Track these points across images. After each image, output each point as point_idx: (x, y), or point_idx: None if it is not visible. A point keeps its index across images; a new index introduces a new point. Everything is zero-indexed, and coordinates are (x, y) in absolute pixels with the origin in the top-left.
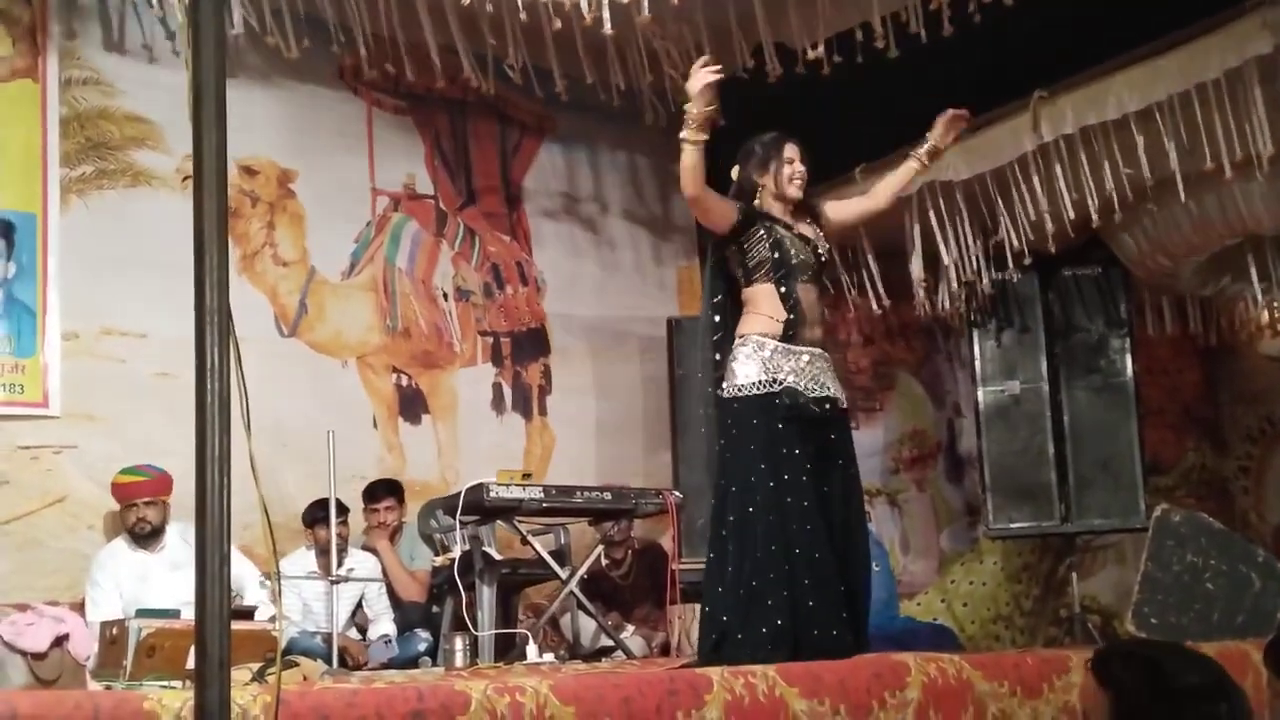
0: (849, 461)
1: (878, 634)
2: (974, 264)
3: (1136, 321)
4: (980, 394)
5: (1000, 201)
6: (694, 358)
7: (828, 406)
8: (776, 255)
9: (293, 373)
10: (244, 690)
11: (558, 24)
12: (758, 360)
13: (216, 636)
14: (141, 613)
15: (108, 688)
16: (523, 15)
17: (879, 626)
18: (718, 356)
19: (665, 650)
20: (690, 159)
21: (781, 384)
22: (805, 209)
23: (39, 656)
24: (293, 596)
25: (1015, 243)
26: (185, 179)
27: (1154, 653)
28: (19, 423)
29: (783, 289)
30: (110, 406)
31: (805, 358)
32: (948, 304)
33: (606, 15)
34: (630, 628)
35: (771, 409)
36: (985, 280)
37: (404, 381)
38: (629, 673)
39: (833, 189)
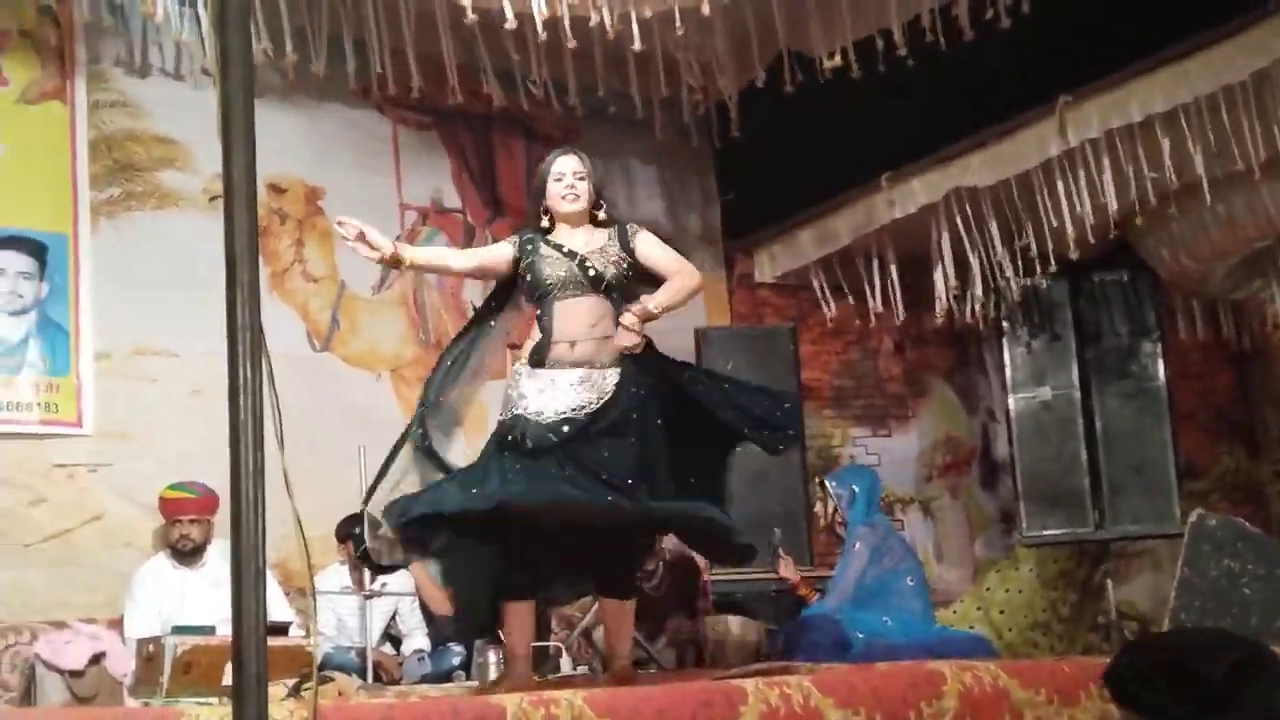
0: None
1: (913, 643)
2: (1001, 271)
3: (1167, 325)
4: (1011, 401)
5: (1026, 208)
6: (720, 367)
7: (566, 428)
8: (529, 278)
9: (326, 387)
10: (280, 705)
11: (573, 43)
12: (516, 389)
13: (253, 651)
14: (177, 629)
15: (145, 704)
16: (542, 35)
17: (915, 636)
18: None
19: (699, 661)
20: (425, 260)
21: (516, 413)
22: (605, 225)
23: (77, 674)
24: (327, 612)
25: (1042, 249)
26: (212, 199)
27: (1166, 658)
28: (54, 441)
29: (539, 310)
30: (144, 425)
31: (559, 380)
32: (976, 311)
33: (636, 31)
34: (663, 639)
35: (505, 438)
36: (1013, 287)
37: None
38: (663, 684)
39: (859, 199)
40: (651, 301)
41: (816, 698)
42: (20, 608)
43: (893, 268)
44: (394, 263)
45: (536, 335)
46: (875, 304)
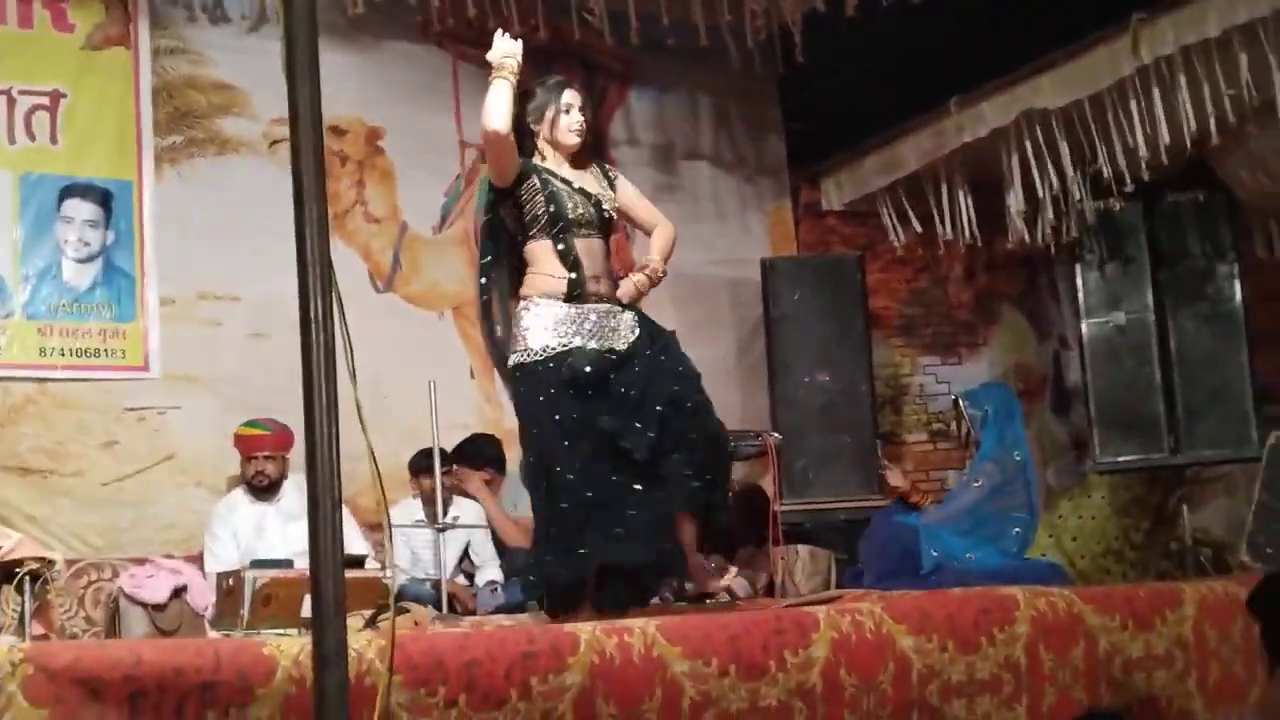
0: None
1: (984, 570)
2: (1074, 194)
3: (1244, 247)
4: (1084, 326)
5: (1099, 129)
6: (787, 298)
7: (613, 359)
8: (552, 209)
9: (389, 327)
10: (358, 636)
11: None
12: (545, 324)
13: (331, 582)
14: (256, 563)
15: (226, 636)
16: None
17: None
18: (492, 320)
19: (769, 591)
20: (498, 93)
21: (569, 349)
22: (589, 162)
23: (159, 608)
24: (401, 546)
25: (1115, 171)
26: (272, 144)
27: None
28: (124, 386)
29: (560, 246)
30: (208, 368)
31: (593, 317)
32: (1047, 235)
33: None
34: (733, 569)
35: (560, 375)
36: (1086, 210)
37: (500, 331)
38: (735, 612)
39: (927, 124)
40: (654, 263)
41: (888, 624)
42: (102, 546)
43: (961, 193)
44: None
45: (555, 270)
46: (945, 230)
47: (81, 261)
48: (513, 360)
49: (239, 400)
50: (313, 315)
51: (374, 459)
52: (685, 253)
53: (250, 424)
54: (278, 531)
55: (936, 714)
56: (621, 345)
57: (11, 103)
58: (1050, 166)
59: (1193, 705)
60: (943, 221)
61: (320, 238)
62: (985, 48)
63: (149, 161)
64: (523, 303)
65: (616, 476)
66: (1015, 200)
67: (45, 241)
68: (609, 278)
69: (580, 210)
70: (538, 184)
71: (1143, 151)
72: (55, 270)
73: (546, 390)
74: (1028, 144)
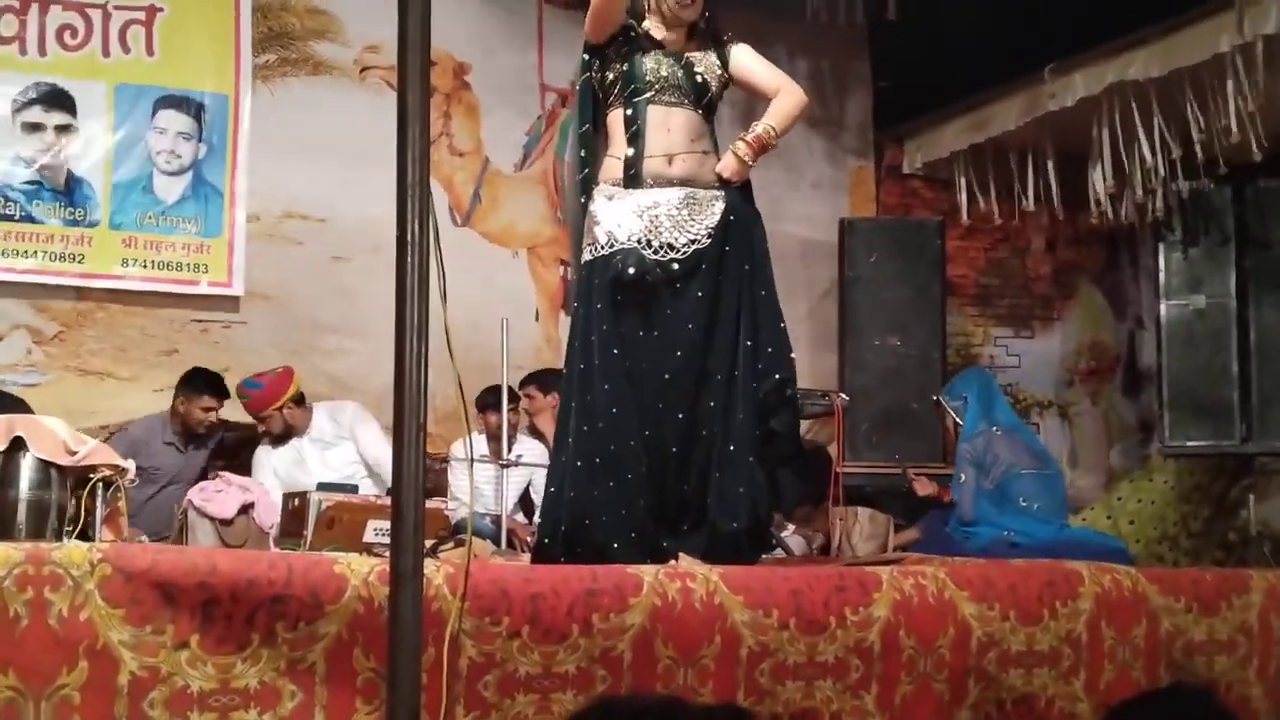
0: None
1: (1034, 546)
2: (1162, 171)
3: None
4: (1163, 307)
5: (1194, 105)
6: (863, 259)
7: (675, 264)
8: (625, 68)
9: (463, 262)
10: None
11: None
12: (603, 214)
13: (412, 502)
14: (323, 486)
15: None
16: None
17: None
18: (584, 201)
19: (825, 550)
20: None
21: (617, 248)
22: (705, 41)
23: (226, 523)
24: (463, 479)
25: (1207, 150)
26: (363, 70)
27: None
28: (197, 298)
29: (629, 111)
30: (283, 287)
31: (664, 204)
32: (1132, 212)
33: None
34: (790, 527)
35: (606, 279)
36: (1174, 188)
37: (570, 274)
38: (799, 567)
39: (1018, 89)
40: (762, 127)
41: (951, 590)
42: None
43: (1049, 163)
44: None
45: (622, 149)
46: (1028, 201)
47: (171, 174)
48: (583, 258)
49: (307, 320)
50: (409, 237)
51: (460, 383)
52: (762, 207)
53: (237, 392)
54: (317, 460)
55: (993, 682)
56: (694, 242)
57: (107, 17)
58: (1140, 142)
59: (1250, 693)
60: (1025, 192)
61: (421, 161)
62: (1083, 15)
63: (246, 77)
64: (594, 191)
65: (638, 435)
66: (1101, 174)
67: (137, 152)
68: (701, 158)
69: (664, 73)
70: (621, 39)
71: (1237, 132)
72: (145, 182)
73: (588, 298)
74: (1118, 117)
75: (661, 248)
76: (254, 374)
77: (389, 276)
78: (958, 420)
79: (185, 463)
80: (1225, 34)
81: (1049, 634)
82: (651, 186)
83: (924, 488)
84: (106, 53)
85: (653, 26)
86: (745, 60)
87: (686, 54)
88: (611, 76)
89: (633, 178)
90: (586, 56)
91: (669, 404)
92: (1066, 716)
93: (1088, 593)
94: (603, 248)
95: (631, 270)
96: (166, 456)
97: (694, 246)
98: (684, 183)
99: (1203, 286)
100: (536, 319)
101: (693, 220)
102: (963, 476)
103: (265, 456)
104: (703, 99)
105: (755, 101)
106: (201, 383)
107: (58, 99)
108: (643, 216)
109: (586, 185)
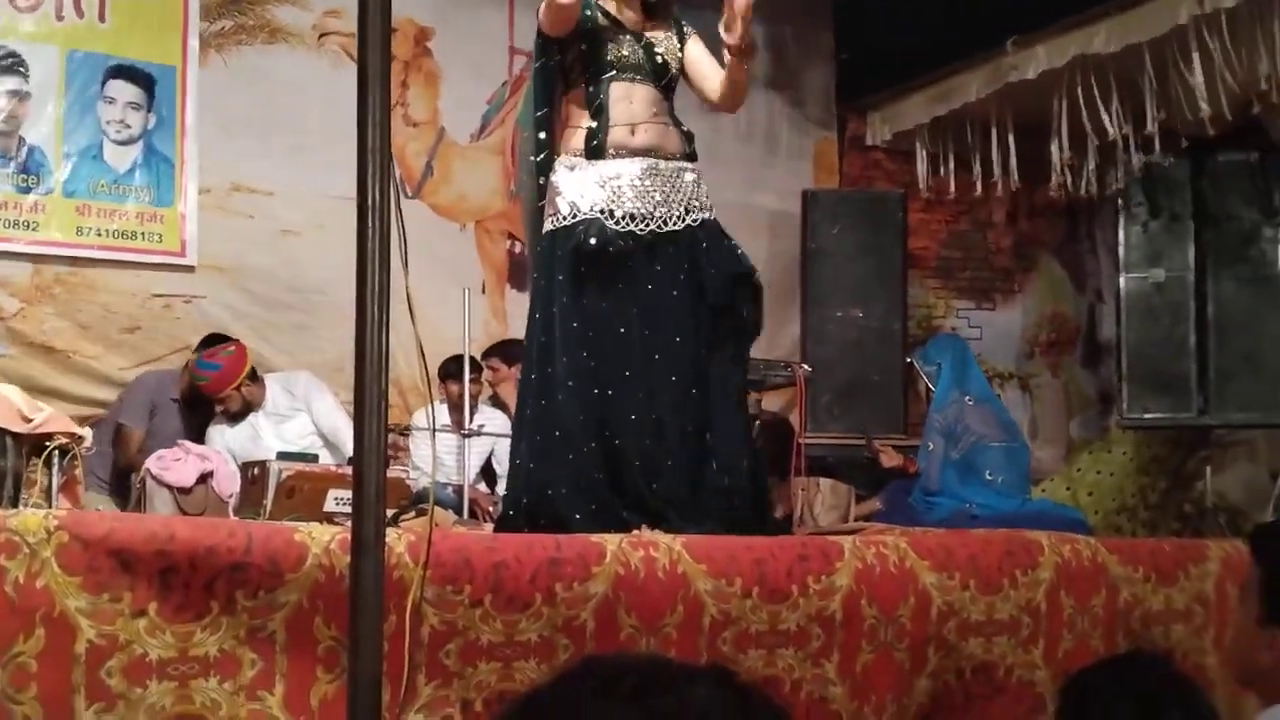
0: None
1: (994, 518)
2: (1122, 145)
3: None
4: (1123, 280)
5: (1153, 79)
6: (825, 231)
7: (637, 236)
8: (584, 46)
9: (410, 235)
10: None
11: None
12: (566, 185)
13: (374, 470)
14: (282, 455)
15: None
16: None
17: (1000, 511)
18: (542, 182)
19: (787, 522)
20: None
21: (579, 218)
22: (666, 21)
23: (184, 491)
24: (425, 449)
25: (1167, 124)
26: (322, 36)
27: None
28: (154, 272)
29: (591, 88)
30: (237, 260)
31: (627, 174)
32: (1091, 186)
33: None
34: None
35: (568, 250)
36: (1133, 162)
37: (517, 248)
38: (761, 537)
39: (980, 62)
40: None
41: (912, 559)
42: None
43: (1010, 136)
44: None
45: (584, 123)
46: (992, 172)
47: (122, 144)
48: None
49: (264, 295)
50: (370, 202)
51: (421, 350)
52: (725, 178)
53: (192, 373)
54: (272, 433)
55: (953, 651)
56: (666, 217)
57: None
58: (1101, 115)
59: (1206, 661)
60: (986, 164)
61: (382, 125)
62: None
63: (194, 47)
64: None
65: (597, 408)
66: (1060, 147)
67: (87, 121)
68: (664, 129)
69: (625, 53)
70: (580, 20)
71: (1199, 105)
72: (96, 150)
73: (549, 270)
74: (1079, 90)
75: (624, 218)
76: (205, 353)
77: (341, 249)
78: (930, 385)
79: (188, 424)
80: (1184, 6)
81: (1009, 603)
82: (614, 157)
83: (890, 459)
84: (60, 16)
85: (609, 4)
86: (698, 51)
87: (647, 34)
88: (572, 58)
89: (595, 149)
90: (541, 42)
91: (633, 376)
92: (1025, 685)
93: (1047, 562)
94: (565, 218)
95: (594, 241)
96: (171, 413)
97: (659, 221)
98: (647, 152)
99: (1162, 260)
100: (484, 292)
101: (655, 190)
102: (931, 445)
103: (219, 435)
104: (663, 78)
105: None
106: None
107: (11, 64)
108: (605, 187)
109: (544, 168)
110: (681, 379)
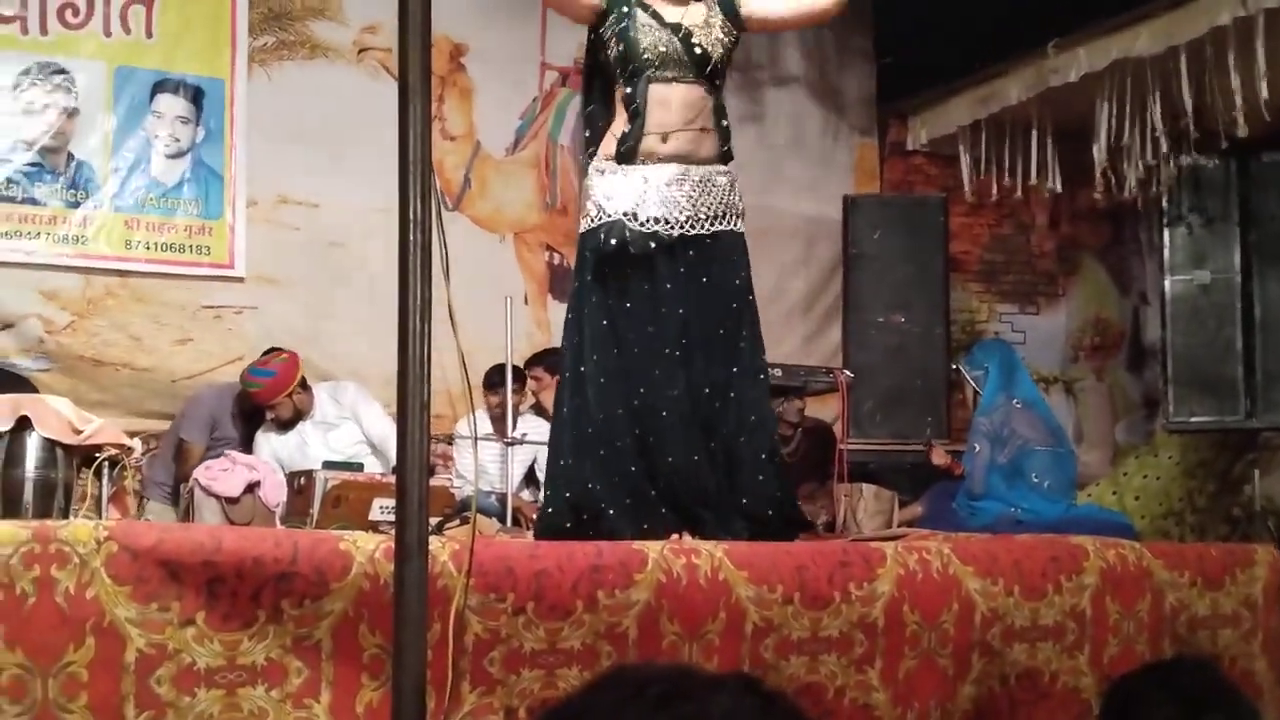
0: (715, 297)
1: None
2: (1164, 147)
3: None
4: (1168, 283)
5: (1195, 81)
6: (867, 236)
7: (670, 233)
8: (622, 47)
9: (451, 247)
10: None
11: None
12: (598, 189)
13: (417, 478)
14: (329, 464)
15: None
16: None
17: (1054, 512)
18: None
19: (830, 528)
20: None
21: (604, 221)
22: (710, 2)
23: (232, 501)
24: (467, 457)
25: (1210, 125)
26: (361, 51)
27: None
28: (203, 284)
29: (629, 90)
30: (286, 271)
31: (655, 181)
32: (1135, 188)
33: None
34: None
35: (598, 253)
36: (1176, 164)
37: (556, 260)
38: (802, 543)
39: (1021, 65)
40: None
41: (955, 565)
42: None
43: (1050, 139)
44: None
45: (621, 125)
46: (1031, 177)
47: (171, 157)
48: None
49: (315, 304)
50: (411, 215)
51: (463, 360)
52: (766, 183)
53: (245, 382)
54: (320, 442)
55: (997, 657)
56: (693, 220)
57: None
58: (1142, 117)
59: (1254, 666)
60: (1027, 168)
61: (423, 138)
62: None
63: (242, 60)
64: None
65: (626, 404)
66: (1102, 150)
67: (136, 135)
68: (696, 131)
69: (662, 49)
70: (615, 19)
71: (1240, 106)
72: (145, 164)
73: (580, 271)
74: (1123, 93)
75: (648, 221)
76: (257, 361)
77: (384, 260)
78: (977, 390)
79: (245, 436)
80: (1226, 8)
81: (1053, 609)
82: (643, 163)
83: (939, 457)
84: (108, 32)
85: None
86: (762, 3)
87: (685, 24)
88: (612, 57)
89: (625, 154)
90: (592, 37)
91: (661, 375)
92: (1070, 691)
93: (1092, 568)
94: (593, 220)
95: (613, 242)
96: (231, 427)
97: (686, 225)
98: (676, 160)
99: (1207, 262)
100: (526, 303)
101: (683, 197)
102: (977, 448)
103: (265, 442)
104: (704, 70)
105: (752, 69)
106: None
107: (59, 81)
108: (632, 191)
109: (587, 167)
110: (708, 378)
